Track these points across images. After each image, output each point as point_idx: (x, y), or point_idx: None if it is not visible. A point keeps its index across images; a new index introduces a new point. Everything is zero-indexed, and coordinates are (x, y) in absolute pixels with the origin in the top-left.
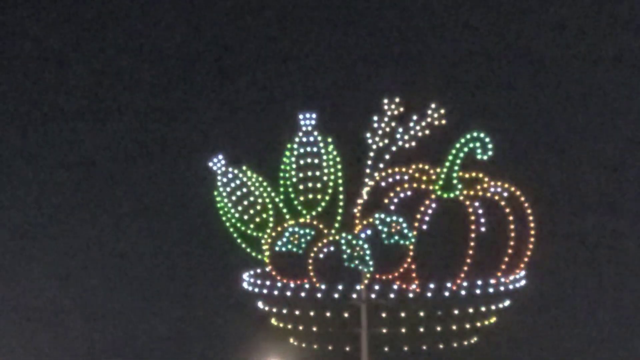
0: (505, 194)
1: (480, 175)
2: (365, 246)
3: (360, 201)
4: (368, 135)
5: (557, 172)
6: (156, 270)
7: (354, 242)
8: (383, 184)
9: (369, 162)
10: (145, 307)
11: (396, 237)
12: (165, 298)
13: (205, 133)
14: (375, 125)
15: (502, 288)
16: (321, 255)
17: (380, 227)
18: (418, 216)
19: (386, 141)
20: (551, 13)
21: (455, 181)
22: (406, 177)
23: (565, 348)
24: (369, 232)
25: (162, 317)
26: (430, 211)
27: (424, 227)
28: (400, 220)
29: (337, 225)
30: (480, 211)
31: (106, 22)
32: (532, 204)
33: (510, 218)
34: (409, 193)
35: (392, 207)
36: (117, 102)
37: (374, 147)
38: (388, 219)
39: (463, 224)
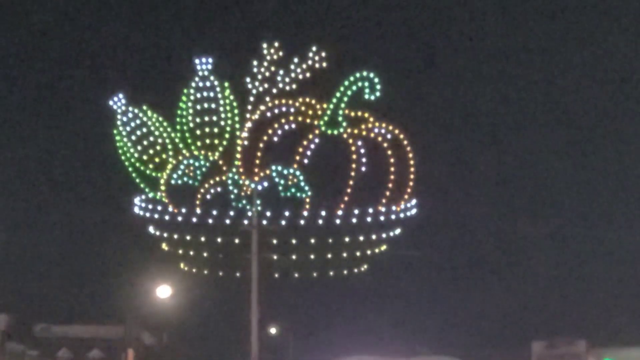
0: (389, 136)
1: (366, 115)
2: (252, 185)
3: (240, 142)
4: (248, 79)
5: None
6: (50, 196)
7: (241, 182)
8: (268, 114)
9: (249, 107)
10: (40, 233)
11: (292, 190)
12: (57, 224)
13: (105, 73)
14: (255, 69)
15: (392, 217)
16: (208, 196)
17: (276, 180)
18: (300, 150)
19: (266, 85)
20: None
21: (340, 118)
22: (292, 110)
23: (454, 274)
24: (265, 183)
25: (54, 242)
26: (312, 146)
27: (305, 160)
28: (297, 173)
29: (233, 169)
30: (362, 150)
31: None
32: (415, 144)
33: (392, 160)
34: (293, 126)
35: (275, 139)
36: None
37: (254, 91)
38: (285, 172)
39: (345, 160)
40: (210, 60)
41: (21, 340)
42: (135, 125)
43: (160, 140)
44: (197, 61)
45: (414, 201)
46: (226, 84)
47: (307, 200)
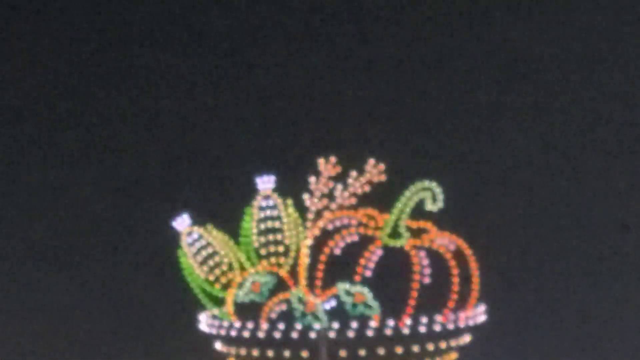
0: (452, 247)
1: (428, 225)
2: (318, 302)
3: (304, 260)
4: (306, 196)
5: (507, 221)
6: (115, 311)
7: (305, 299)
8: (330, 226)
9: (308, 224)
10: (103, 349)
11: (361, 308)
12: (121, 340)
13: (168, 194)
14: (313, 186)
15: (461, 324)
16: (273, 315)
17: (343, 299)
18: (362, 262)
19: (325, 202)
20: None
21: (402, 230)
22: (353, 222)
23: None
24: (333, 302)
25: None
26: (374, 258)
27: (368, 273)
28: (365, 290)
29: (299, 286)
30: (425, 262)
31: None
32: (479, 255)
33: (455, 272)
34: (355, 238)
35: (337, 251)
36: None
37: (313, 208)
38: (352, 290)
39: (407, 272)
40: (271, 178)
41: None
42: (201, 246)
43: (226, 260)
44: (258, 180)
45: (482, 307)
46: (289, 202)
47: (376, 317)
